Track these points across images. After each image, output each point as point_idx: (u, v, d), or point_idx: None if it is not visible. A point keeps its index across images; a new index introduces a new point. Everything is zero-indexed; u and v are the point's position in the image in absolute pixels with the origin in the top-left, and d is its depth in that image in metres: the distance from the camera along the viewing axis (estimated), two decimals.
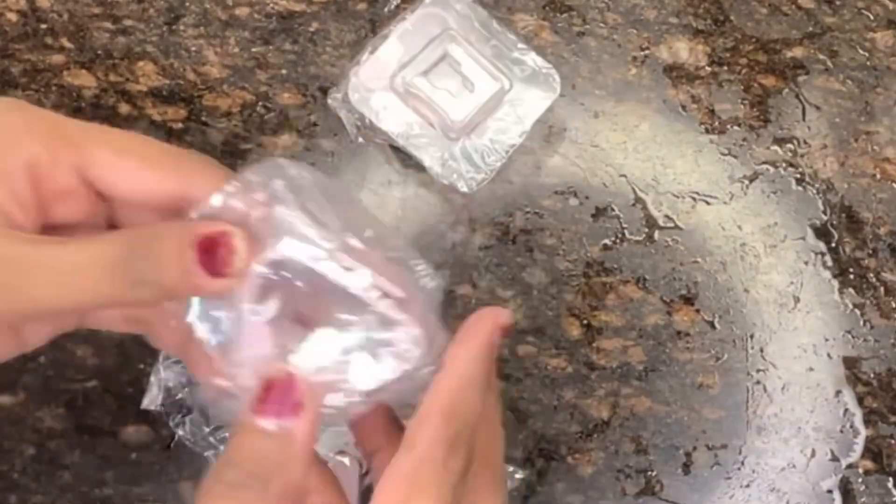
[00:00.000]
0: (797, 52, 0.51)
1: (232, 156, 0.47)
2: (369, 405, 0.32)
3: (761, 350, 0.48)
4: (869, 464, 0.47)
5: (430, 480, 0.29)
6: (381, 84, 0.46)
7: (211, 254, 0.29)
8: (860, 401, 0.48)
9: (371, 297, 0.30)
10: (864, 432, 0.47)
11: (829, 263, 0.49)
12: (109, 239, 0.31)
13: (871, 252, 0.49)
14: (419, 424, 0.30)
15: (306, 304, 0.31)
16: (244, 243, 0.30)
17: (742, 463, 0.47)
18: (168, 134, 0.47)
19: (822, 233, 0.49)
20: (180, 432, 0.44)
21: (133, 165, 0.33)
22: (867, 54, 0.51)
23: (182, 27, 0.49)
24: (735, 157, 0.50)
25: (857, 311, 0.49)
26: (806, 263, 0.49)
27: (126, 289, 0.30)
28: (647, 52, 0.50)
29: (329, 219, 0.30)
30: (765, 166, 0.50)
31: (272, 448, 0.30)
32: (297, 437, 0.30)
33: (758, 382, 0.48)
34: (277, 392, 0.30)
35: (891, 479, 0.47)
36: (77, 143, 0.32)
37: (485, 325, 0.32)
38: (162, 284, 0.30)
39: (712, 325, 0.48)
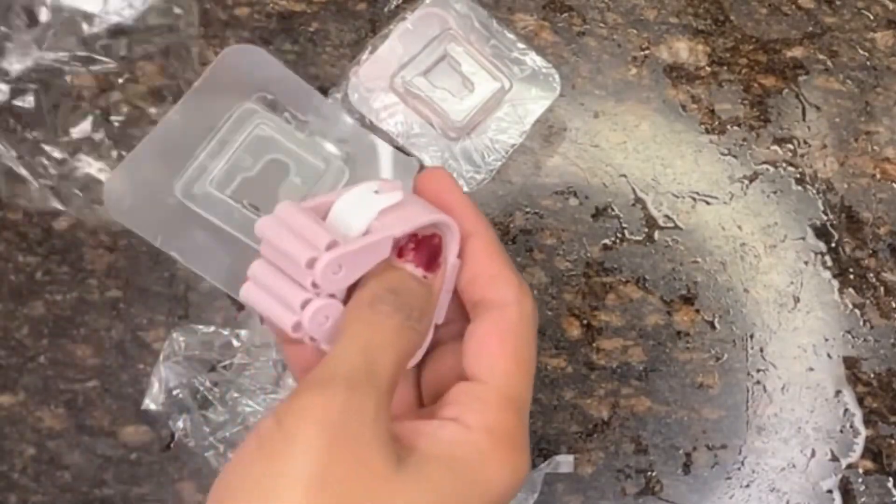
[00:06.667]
0: (797, 52, 0.51)
1: None
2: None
3: (761, 350, 0.48)
4: (869, 464, 0.47)
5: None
6: (381, 84, 0.46)
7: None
8: (860, 401, 0.48)
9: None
10: (864, 432, 0.47)
11: (829, 263, 0.49)
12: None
13: (871, 252, 0.49)
14: None
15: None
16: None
17: (742, 463, 0.47)
18: None
19: (822, 233, 0.49)
20: (180, 432, 0.44)
21: None
22: (867, 54, 0.51)
23: (182, 27, 0.49)
24: (735, 157, 0.50)
25: (857, 311, 0.49)
26: (806, 263, 0.49)
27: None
28: (647, 52, 0.50)
29: None
30: (765, 166, 0.50)
31: (421, 291, 0.32)
32: (435, 289, 0.33)
33: (758, 382, 0.48)
34: (425, 247, 0.33)
35: (891, 479, 0.47)
36: None
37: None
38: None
39: (712, 325, 0.48)
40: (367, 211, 0.32)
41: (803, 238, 0.49)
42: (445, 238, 0.34)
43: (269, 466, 0.27)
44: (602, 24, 0.50)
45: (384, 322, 0.31)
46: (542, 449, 0.46)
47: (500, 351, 0.32)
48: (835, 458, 0.47)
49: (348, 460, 0.28)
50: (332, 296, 0.32)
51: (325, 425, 0.28)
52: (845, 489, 0.47)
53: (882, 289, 0.49)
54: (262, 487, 0.27)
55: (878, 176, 0.50)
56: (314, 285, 0.31)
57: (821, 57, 0.51)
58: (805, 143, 0.50)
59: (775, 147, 0.50)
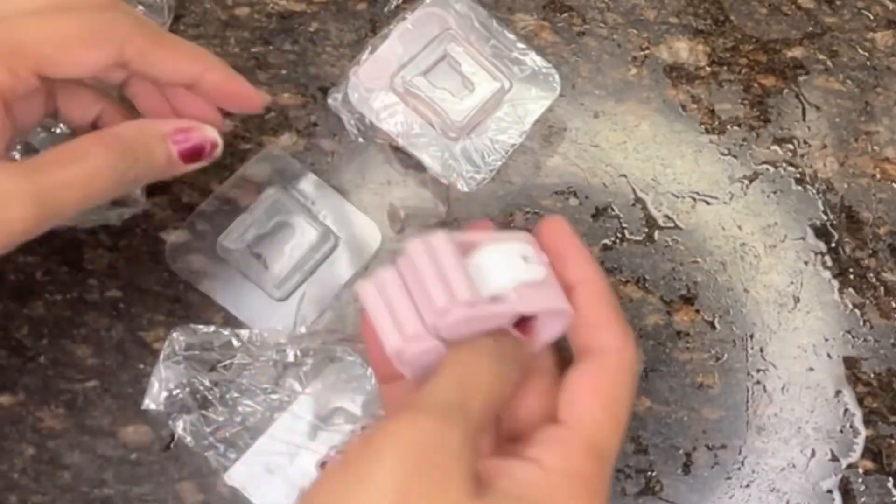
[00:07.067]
0: (797, 52, 0.51)
1: (232, 156, 0.47)
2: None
3: (761, 350, 0.48)
4: (869, 464, 0.47)
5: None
6: (381, 84, 0.46)
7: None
8: (860, 401, 0.48)
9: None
10: (864, 432, 0.47)
11: (829, 263, 0.49)
12: (101, 153, 0.36)
13: (871, 252, 0.49)
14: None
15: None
16: (214, 132, 0.40)
17: (742, 463, 0.47)
18: None
19: (822, 233, 0.49)
20: (180, 432, 0.44)
21: (78, 49, 0.36)
22: (867, 54, 0.51)
23: (182, 27, 0.49)
24: (735, 157, 0.50)
25: (857, 311, 0.49)
26: (806, 263, 0.49)
27: (124, 188, 0.37)
28: (647, 52, 0.50)
29: None
30: (765, 166, 0.50)
31: (517, 346, 0.34)
32: (528, 350, 0.35)
33: (758, 382, 0.48)
34: (527, 321, 0.34)
35: (891, 479, 0.47)
36: (29, 50, 0.35)
37: None
38: (150, 176, 0.39)
39: (712, 325, 0.48)
40: (509, 277, 0.33)
41: (803, 238, 0.49)
42: (556, 319, 0.35)
43: (353, 482, 0.28)
44: (602, 24, 0.50)
45: (482, 364, 0.32)
46: None
47: (592, 398, 0.33)
48: (835, 458, 0.47)
49: (428, 485, 0.28)
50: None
51: (410, 449, 0.28)
52: (845, 489, 0.47)
53: (882, 289, 0.49)
54: (345, 502, 0.28)
55: (878, 176, 0.50)
56: (435, 327, 0.32)
57: (821, 57, 0.51)
58: (805, 143, 0.50)
59: (775, 147, 0.50)
